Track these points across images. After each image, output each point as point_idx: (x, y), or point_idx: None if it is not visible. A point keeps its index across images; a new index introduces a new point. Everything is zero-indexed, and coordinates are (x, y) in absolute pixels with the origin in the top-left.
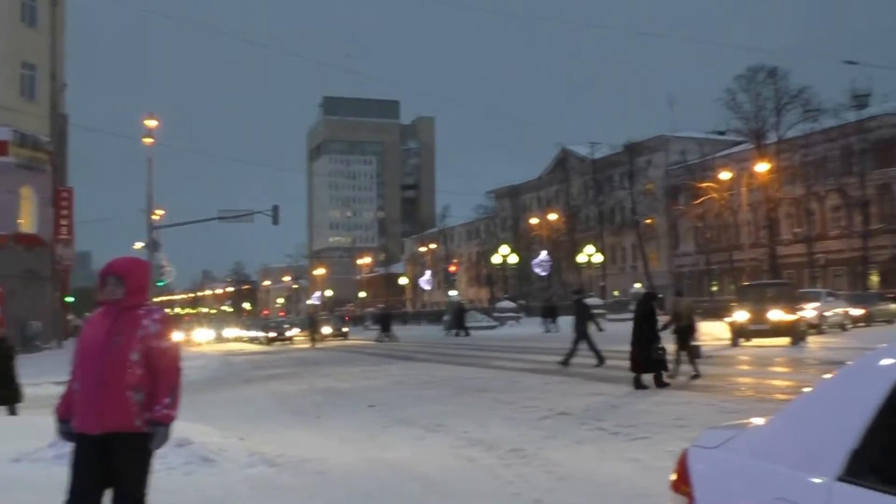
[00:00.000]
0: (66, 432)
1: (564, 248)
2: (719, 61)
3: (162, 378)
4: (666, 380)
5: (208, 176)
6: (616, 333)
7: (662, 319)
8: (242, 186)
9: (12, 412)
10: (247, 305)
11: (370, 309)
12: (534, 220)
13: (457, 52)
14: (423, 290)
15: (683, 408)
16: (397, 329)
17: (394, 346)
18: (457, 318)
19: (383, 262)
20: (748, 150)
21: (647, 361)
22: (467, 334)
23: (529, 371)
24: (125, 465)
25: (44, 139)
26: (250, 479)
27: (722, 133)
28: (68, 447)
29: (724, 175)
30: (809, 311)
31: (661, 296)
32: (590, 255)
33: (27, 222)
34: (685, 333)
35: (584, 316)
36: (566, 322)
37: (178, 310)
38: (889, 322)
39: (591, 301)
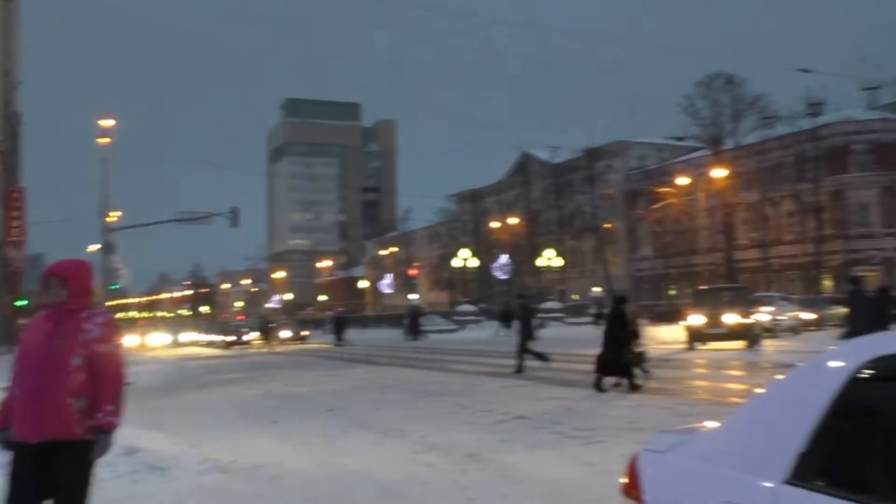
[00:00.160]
0: (4, 441)
1: (525, 252)
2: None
3: (105, 384)
4: (637, 382)
5: (167, 177)
6: (576, 337)
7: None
8: (202, 188)
9: None
10: (205, 309)
11: (329, 312)
12: (494, 224)
13: (419, 56)
14: (384, 294)
15: (639, 411)
16: (357, 333)
17: (353, 349)
18: (412, 322)
19: (344, 266)
20: (706, 155)
21: (615, 365)
22: (418, 338)
23: (487, 375)
24: (66, 474)
25: None
26: (201, 486)
27: (680, 139)
28: (7, 456)
29: (683, 180)
30: (763, 314)
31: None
32: (549, 258)
33: None
34: (630, 339)
35: (529, 319)
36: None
37: (133, 313)
38: (839, 326)
39: (550, 305)
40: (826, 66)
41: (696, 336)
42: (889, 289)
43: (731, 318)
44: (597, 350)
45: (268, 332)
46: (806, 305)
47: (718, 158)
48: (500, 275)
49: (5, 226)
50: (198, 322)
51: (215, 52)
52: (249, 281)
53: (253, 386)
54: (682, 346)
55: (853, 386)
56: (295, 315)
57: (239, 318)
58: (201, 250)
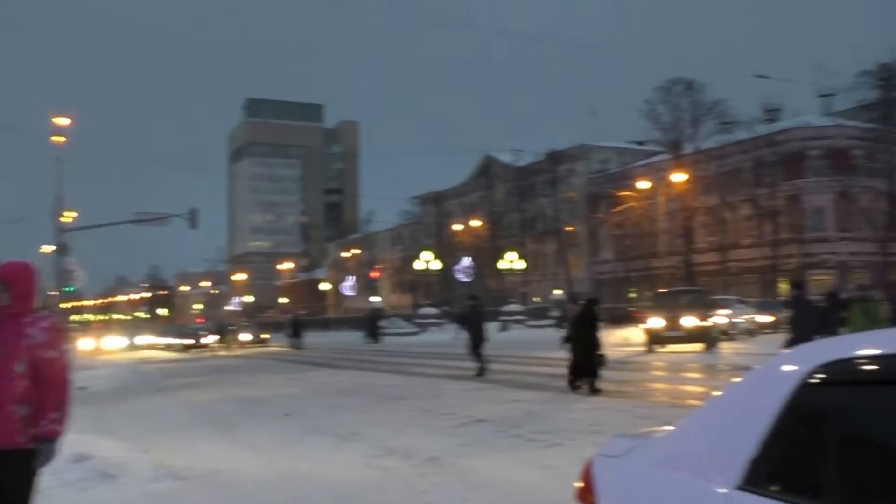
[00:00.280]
0: None
1: (487, 255)
2: (641, 73)
3: (49, 391)
4: (598, 386)
5: (125, 178)
6: (537, 339)
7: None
8: (161, 189)
9: None
10: (163, 311)
11: (289, 315)
12: (457, 227)
13: (382, 58)
14: (346, 296)
15: (598, 414)
16: (318, 336)
17: (313, 353)
18: (371, 325)
19: (305, 268)
20: (666, 160)
21: (585, 367)
22: (378, 341)
23: (448, 378)
24: (8, 483)
25: None
26: (153, 494)
27: (641, 143)
28: None
29: (643, 184)
30: (720, 318)
31: (581, 302)
32: (512, 261)
33: None
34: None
35: (480, 322)
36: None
37: (88, 316)
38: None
39: (512, 307)
40: (783, 74)
41: (655, 339)
42: (837, 293)
43: (689, 321)
44: (558, 353)
45: (225, 335)
46: (762, 308)
47: (678, 163)
48: (463, 277)
49: None
50: (155, 325)
51: (176, 50)
52: (209, 283)
53: (211, 390)
54: (642, 348)
55: (804, 391)
56: (255, 318)
57: (198, 320)
58: (160, 252)
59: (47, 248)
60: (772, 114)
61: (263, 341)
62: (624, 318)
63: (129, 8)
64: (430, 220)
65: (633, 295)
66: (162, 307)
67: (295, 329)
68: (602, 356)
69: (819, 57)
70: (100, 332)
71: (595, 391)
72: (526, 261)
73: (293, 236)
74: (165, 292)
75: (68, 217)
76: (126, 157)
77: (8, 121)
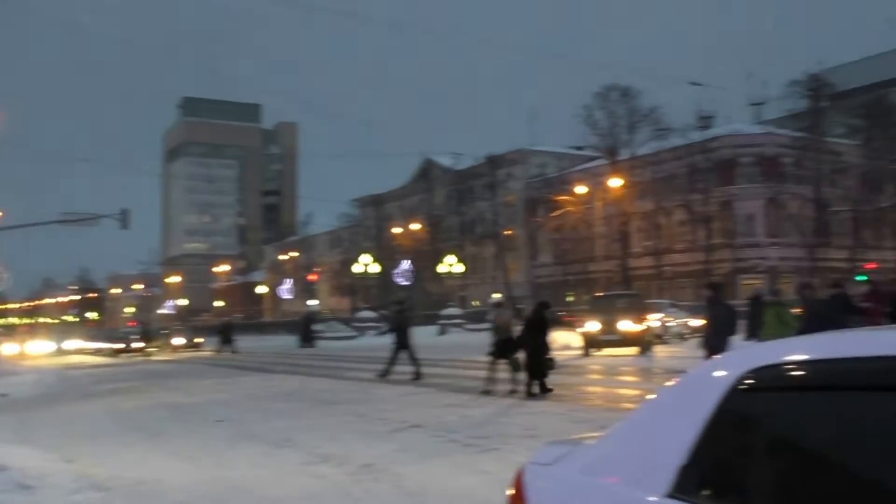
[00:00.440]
0: None
1: (426, 258)
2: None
3: None
4: (533, 390)
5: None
6: (476, 343)
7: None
8: (92, 189)
9: None
10: (92, 315)
11: (225, 318)
12: (397, 230)
13: (322, 59)
14: (283, 300)
15: (535, 418)
16: (255, 340)
17: (248, 357)
18: (305, 329)
19: (242, 271)
20: (603, 165)
21: (537, 369)
22: (311, 345)
23: (385, 382)
24: None
25: None
26: None
27: (579, 148)
28: None
29: (581, 189)
30: (654, 321)
31: (521, 306)
32: (451, 265)
33: None
34: (505, 347)
35: (405, 327)
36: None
37: (13, 319)
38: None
39: (451, 311)
40: (717, 82)
41: (591, 342)
42: (760, 297)
43: (624, 325)
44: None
45: (151, 339)
46: (694, 312)
47: (615, 168)
48: (402, 281)
49: None
50: (84, 329)
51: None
52: (142, 286)
53: (140, 396)
54: (578, 352)
55: (734, 397)
56: (189, 321)
57: (129, 324)
58: (91, 254)
59: None
60: (705, 121)
61: (197, 346)
62: (560, 321)
63: (60, 3)
64: (370, 222)
65: (570, 298)
66: (91, 310)
67: (225, 334)
68: (552, 360)
69: (750, 66)
70: (25, 337)
71: (531, 395)
72: (465, 264)
73: (230, 238)
74: (95, 295)
75: None
76: (56, 157)
77: None
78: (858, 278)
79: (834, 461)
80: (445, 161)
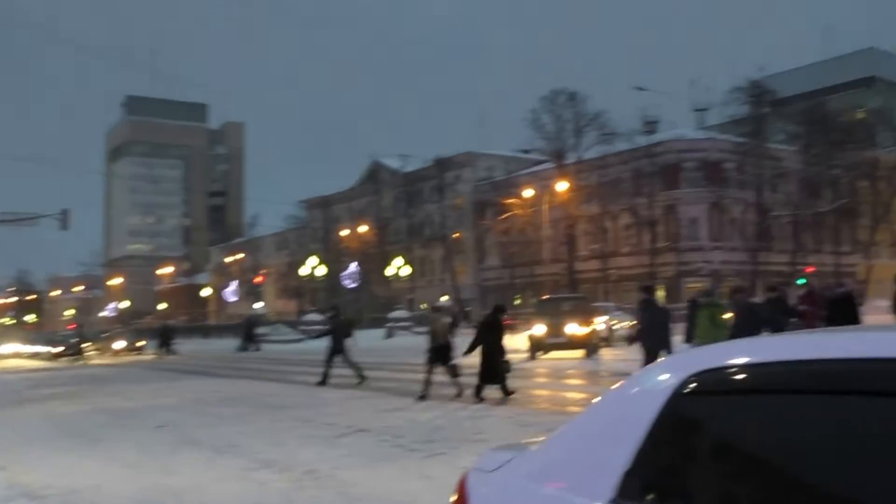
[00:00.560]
0: None
1: (374, 261)
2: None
3: None
4: (482, 396)
5: None
6: (423, 346)
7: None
8: (33, 189)
9: None
10: (30, 317)
11: (164, 321)
12: (344, 232)
13: (269, 59)
14: (228, 302)
15: (481, 422)
16: (199, 343)
17: (192, 361)
18: (248, 332)
19: (187, 272)
20: (550, 169)
21: (491, 373)
22: (246, 350)
23: (331, 386)
24: None
25: None
26: None
27: (527, 151)
28: None
29: (528, 192)
30: (600, 324)
31: (469, 309)
32: (399, 267)
33: None
34: (440, 352)
35: (341, 333)
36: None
37: None
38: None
39: (398, 314)
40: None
41: (538, 345)
42: (696, 300)
43: (571, 328)
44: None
45: (87, 342)
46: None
47: (562, 172)
48: (349, 283)
49: None
50: (22, 332)
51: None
52: (83, 288)
53: (78, 401)
54: (525, 355)
55: (677, 401)
56: (132, 324)
57: (69, 327)
58: (30, 256)
59: None
60: (650, 126)
61: (139, 349)
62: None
63: None
64: (317, 224)
65: (518, 301)
66: (29, 313)
67: (164, 337)
68: (507, 362)
69: (694, 72)
70: None
71: (480, 399)
72: (413, 267)
73: (174, 240)
74: (34, 297)
75: None
76: None
77: None
78: (798, 282)
79: (776, 465)
80: (394, 163)
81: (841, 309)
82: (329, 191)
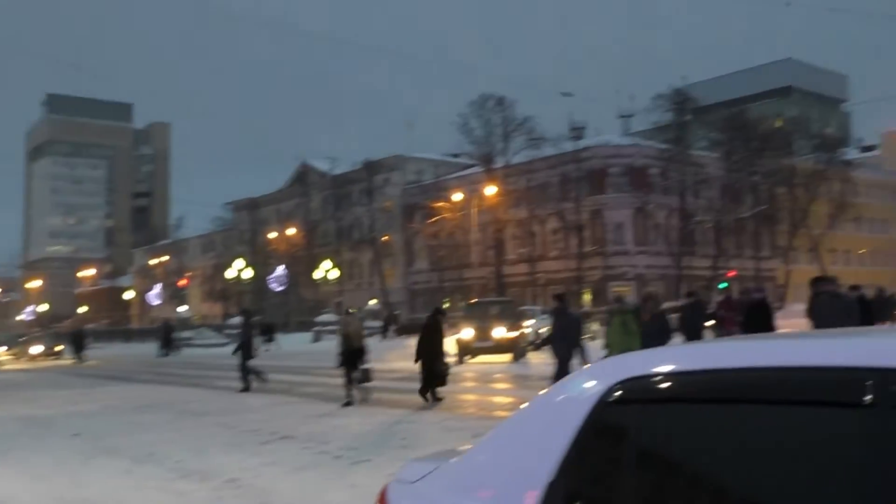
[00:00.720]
0: None
1: (302, 264)
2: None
3: None
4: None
5: None
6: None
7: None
8: None
9: None
10: None
11: (78, 325)
12: (272, 234)
13: (197, 59)
14: (152, 306)
15: (408, 427)
16: (120, 348)
17: (112, 366)
18: (165, 337)
19: (109, 275)
20: (479, 173)
21: (430, 375)
22: (167, 355)
23: (256, 391)
24: None
25: None
26: None
27: (456, 156)
28: None
29: (457, 196)
30: (528, 328)
31: (397, 312)
32: (327, 270)
33: None
34: (355, 356)
35: (249, 337)
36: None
37: None
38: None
39: (325, 317)
40: (588, 94)
41: (465, 349)
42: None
43: (498, 332)
44: (378, 363)
45: None
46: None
47: (490, 176)
48: (277, 286)
49: None
50: None
51: None
52: None
53: None
54: (452, 359)
55: (601, 409)
56: (50, 328)
57: None
58: None
59: None
60: (577, 132)
61: (57, 354)
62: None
63: None
64: (245, 227)
65: (446, 305)
66: None
67: (77, 341)
68: (447, 365)
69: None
70: None
71: (436, 399)
72: (341, 270)
73: (96, 241)
74: None
75: None
76: None
77: None
78: (720, 286)
79: (701, 474)
80: (322, 165)
81: (756, 314)
82: (257, 193)
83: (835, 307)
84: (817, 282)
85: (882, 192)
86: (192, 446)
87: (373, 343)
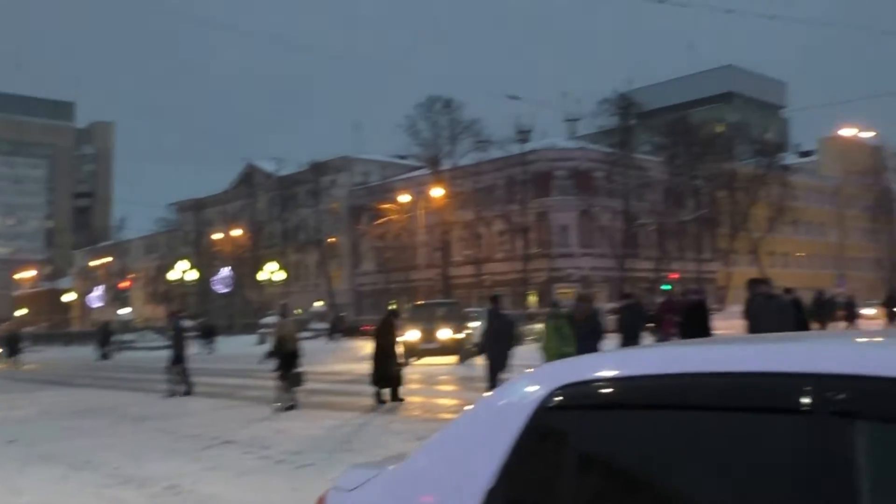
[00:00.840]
0: None
1: (248, 265)
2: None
3: None
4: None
5: None
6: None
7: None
8: None
9: None
10: None
11: (30, 328)
12: (217, 236)
13: (143, 58)
14: (93, 308)
15: (353, 430)
16: (60, 351)
17: (49, 370)
18: (103, 339)
19: (49, 276)
20: (426, 175)
21: (385, 376)
22: (107, 358)
23: (197, 395)
24: None
25: None
26: None
27: (403, 157)
28: None
29: (404, 198)
30: (473, 330)
31: (343, 314)
32: (272, 272)
33: None
34: (290, 359)
35: (181, 340)
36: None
37: None
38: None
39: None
40: (535, 97)
41: (411, 351)
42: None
43: (444, 333)
44: (319, 366)
45: None
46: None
47: (437, 178)
48: (221, 288)
49: None
50: None
51: None
52: None
53: None
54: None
55: (542, 415)
56: None
57: None
58: None
59: None
60: (523, 135)
61: None
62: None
63: None
64: (189, 228)
65: (392, 307)
66: None
67: (12, 345)
68: (400, 365)
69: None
70: None
71: (397, 399)
72: (287, 271)
73: (36, 242)
74: None
75: None
76: None
77: None
78: (663, 287)
79: (640, 479)
80: (269, 166)
81: (694, 316)
82: (202, 194)
83: (769, 308)
84: (753, 283)
85: (819, 196)
86: (130, 452)
87: (320, 345)
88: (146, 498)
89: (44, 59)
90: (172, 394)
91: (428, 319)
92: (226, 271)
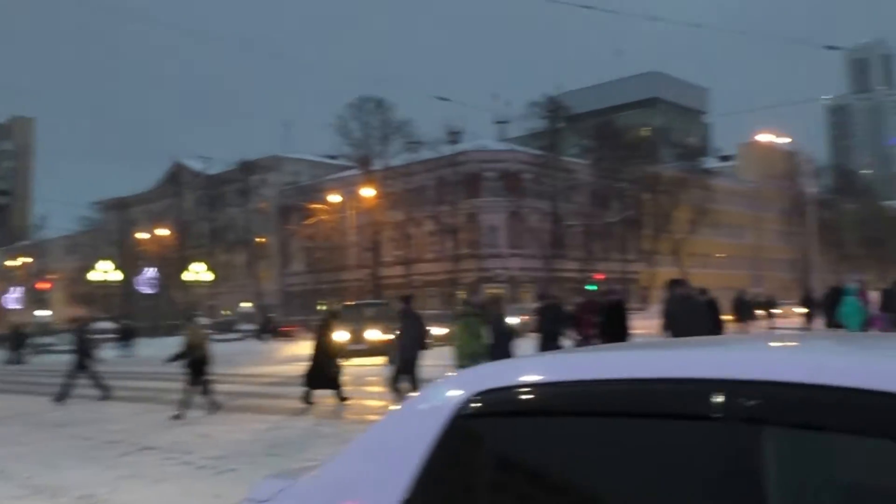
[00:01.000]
0: None
1: (174, 265)
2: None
3: None
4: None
5: None
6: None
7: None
8: None
9: None
10: None
11: None
12: (142, 235)
13: (68, 52)
14: (10, 310)
15: (278, 434)
16: None
17: None
18: (15, 342)
19: None
20: (356, 175)
21: (323, 378)
22: (19, 362)
23: (116, 400)
24: None
25: None
26: None
27: (334, 157)
28: None
29: (334, 198)
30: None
31: (272, 315)
32: (198, 272)
33: None
34: (200, 365)
35: (86, 345)
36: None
37: None
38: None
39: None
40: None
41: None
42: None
43: (372, 334)
44: (246, 368)
45: None
46: (437, 321)
47: (368, 178)
48: (146, 289)
49: None
50: None
51: None
52: None
53: None
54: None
55: (458, 422)
56: None
57: None
58: None
59: None
60: (453, 136)
61: None
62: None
63: None
64: (113, 227)
65: (322, 307)
66: None
67: None
68: (338, 367)
69: (496, 86)
70: None
71: (343, 399)
72: (215, 272)
73: None
74: None
75: None
76: None
77: None
78: (589, 287)
79: (557, 487)
80: (196, 165)
81: (612, 316)
82: (126, 192)
83: (684, 308)
84: (672, 284)
85: (739, 199)
86: (44, 460)
87: (248, 346)
88: None
89: None
90: (60, 398)
91: (356, 320)
92: (150, 272)
